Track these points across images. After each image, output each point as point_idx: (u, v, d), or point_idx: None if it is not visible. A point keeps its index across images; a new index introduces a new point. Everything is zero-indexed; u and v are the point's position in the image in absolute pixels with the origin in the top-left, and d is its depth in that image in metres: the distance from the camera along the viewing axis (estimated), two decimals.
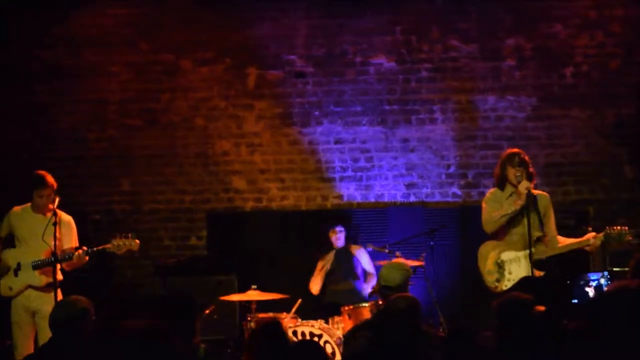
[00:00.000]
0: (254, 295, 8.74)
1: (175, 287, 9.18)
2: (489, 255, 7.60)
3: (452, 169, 10.50)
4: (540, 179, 10.12)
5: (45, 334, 7.32)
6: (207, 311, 8.99)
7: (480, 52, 10.59)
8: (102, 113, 10.71)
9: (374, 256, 9.86)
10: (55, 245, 7.65)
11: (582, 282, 7.79)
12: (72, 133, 10.70)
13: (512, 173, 7.55)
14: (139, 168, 10.65)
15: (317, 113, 10.61)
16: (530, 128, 10.52)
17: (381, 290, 6.02)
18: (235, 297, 9.04)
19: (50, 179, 7.88)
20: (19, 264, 7.83)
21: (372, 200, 10.57)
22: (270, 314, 8.78)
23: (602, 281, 8.23)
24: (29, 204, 8.00)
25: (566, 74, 10.51)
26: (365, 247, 9.88)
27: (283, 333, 5.58)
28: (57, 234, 7.74)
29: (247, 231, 10.69)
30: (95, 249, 7.84)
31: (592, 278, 8.15)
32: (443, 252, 10.20)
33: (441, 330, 8.68)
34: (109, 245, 7.83)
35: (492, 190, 7.82)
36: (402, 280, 5.99)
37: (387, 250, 9.53)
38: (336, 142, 10.57)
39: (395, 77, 10.59)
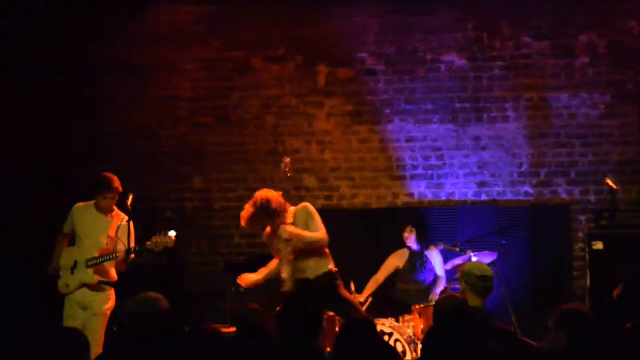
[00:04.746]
0: None
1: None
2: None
3: (524, 168, 10.38)
4: (613, 177, 10.06)
5: (93, 329, 7.66)
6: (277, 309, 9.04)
7: (553, 49, 10.43)
8: (174, 110, 10.79)
9: (444, 255, 9.83)
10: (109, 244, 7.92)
11: None
12: (144, 129, 10.78)
13: None
14: (210, 165, 10.72)
15: (388, 111, 10.57)
16: (603, 126, 10.34)
17: (479, 280, 6.20)
18: None
19: (116, 182, 7.93)
20: (75, 262, 7.91)
21: (443, 198, 10.49)
22: None
23: None
24: (93, 202, 8.06)
25: None
26: (436, 246, 9.85)
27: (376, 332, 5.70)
28: (114, 234, 7.94)
29: None
30: (136, 247, 7.87)
31: None
32: (514, 251, 10.12)
33: (513, 329, 8.63)
34: (148, 243, 7.82)
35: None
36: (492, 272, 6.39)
37: (458, 249, 9.51)
38: (407, 140, 10.52)
39: (467, 74, 10.50)
